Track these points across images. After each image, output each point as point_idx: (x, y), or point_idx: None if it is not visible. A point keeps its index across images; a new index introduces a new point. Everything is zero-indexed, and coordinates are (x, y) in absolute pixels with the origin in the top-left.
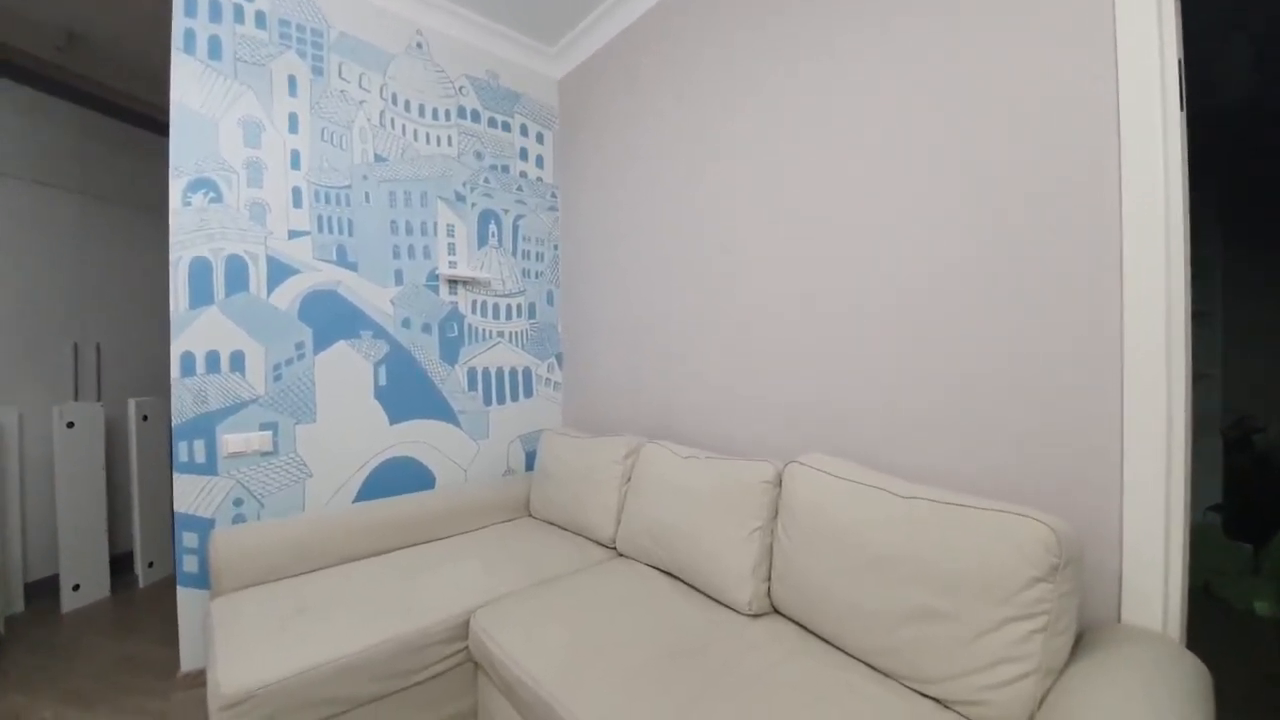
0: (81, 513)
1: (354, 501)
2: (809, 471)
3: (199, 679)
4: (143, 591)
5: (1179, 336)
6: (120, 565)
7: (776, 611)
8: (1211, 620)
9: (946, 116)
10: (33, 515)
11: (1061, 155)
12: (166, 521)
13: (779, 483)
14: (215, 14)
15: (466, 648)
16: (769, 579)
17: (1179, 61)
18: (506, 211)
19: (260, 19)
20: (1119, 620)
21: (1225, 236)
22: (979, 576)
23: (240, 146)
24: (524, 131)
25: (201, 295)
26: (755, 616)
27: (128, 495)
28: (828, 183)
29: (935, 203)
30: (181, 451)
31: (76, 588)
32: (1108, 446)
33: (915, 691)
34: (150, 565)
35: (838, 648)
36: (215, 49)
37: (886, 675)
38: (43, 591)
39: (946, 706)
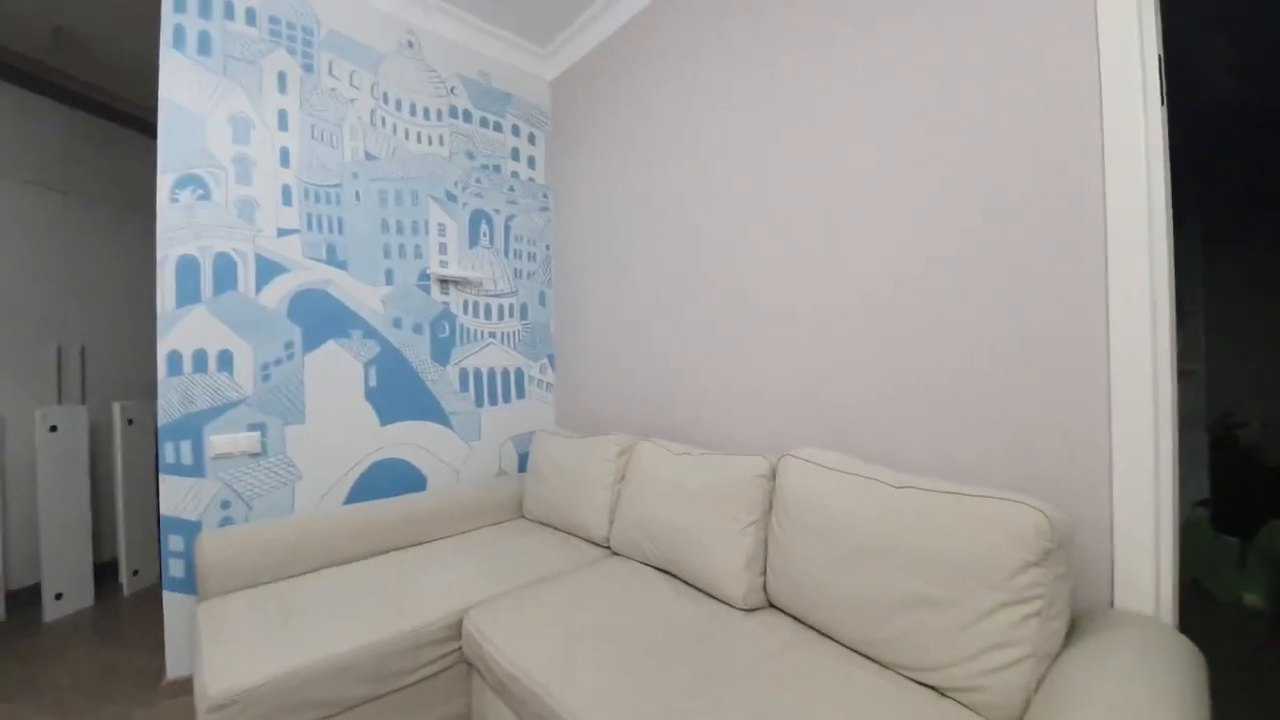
0: (65, 519)
1: (344, 504)
2: (803, 465)
3: (185, 686)
4: (127, 600)
5: (1164, 328)
6: (104, 573)
7: (772, 605)
8: (1200, 612)
9: (931, 112)
10: (14, 522)
11: (1047, 152)
12: (152, 528)
13: (773, 476)
14: (205, 10)
15: (459, 649)
16: (764, 573)
17: (1159, 58)
18: (498, 211)
19: (250, 16)
20: (1112, 606)
21: (1205, 236)
22: (972, 562)
23: (229, 143)
24: (516, 132)
25: (189, 294)
26: (750, 611)
27: (112, 501)
28: (813, 181)
29: (923, 199)
30: (168, 453)
31: (59, 596)
32: (1097, 436)
33: (912, 680)
34: (135, 573)
35: (834, 639)
36: (205, 45)
37: (884, 665)
38: (24, 601)
39: (943, 694)
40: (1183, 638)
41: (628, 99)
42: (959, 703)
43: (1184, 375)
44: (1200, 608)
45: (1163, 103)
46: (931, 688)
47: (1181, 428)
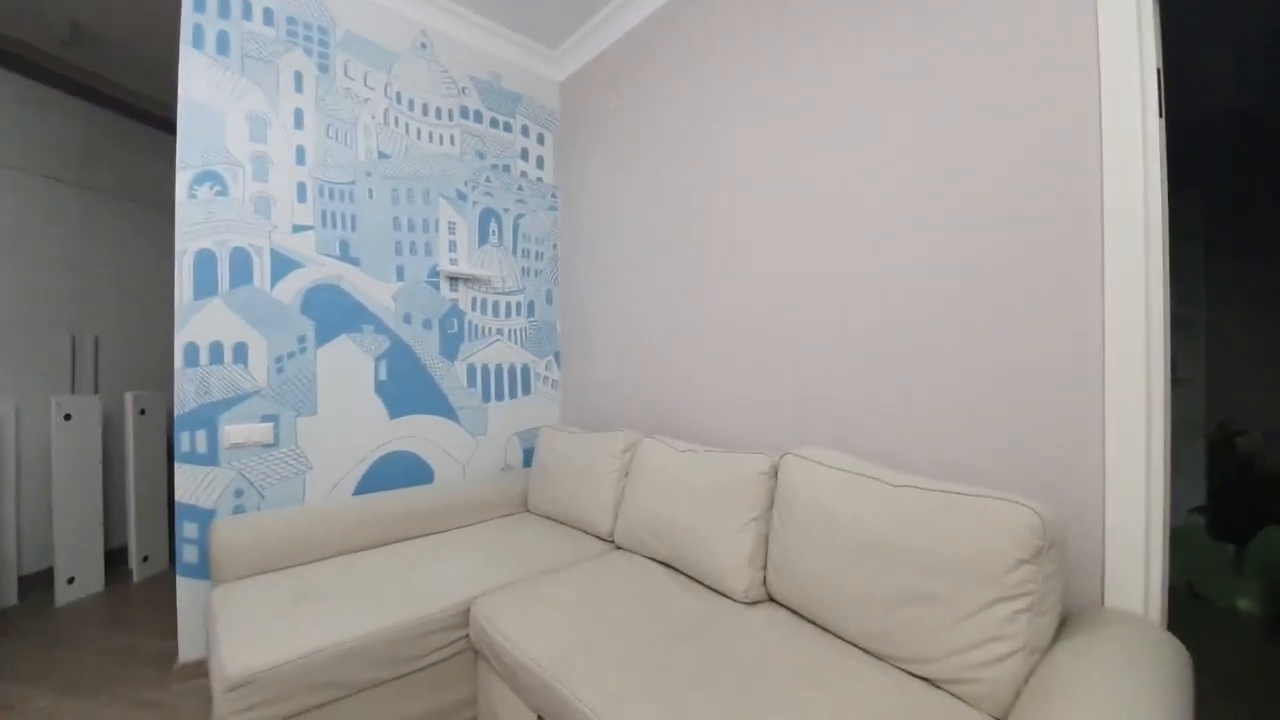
0: (77, 506)
1: (353, 495)
2: (804, 463)
3: (198, 669)
4: (137, 585)
5: (1158, 336)
6: (114, 559)
7: (772, 599)
8: (1195, 616)
9: (935, 126)
10: (27, 508)
11: (1045, 164)
12: (162, 516)
13: (775, 474)
14: (224, 10)
15: (467, 635)
16: (765, 568)
17: (1158, 71)
18: (507, 210)
19: (268, 16)
20: (1102, 604)
21: (1207, 245)
22: (968, 559)
23: (246, 141)
24: (525, 132)
25: (206, 287)
26: (751, 604)
27: (123, 489)
28: (819, 187)
29: (924, 207)
30: (183, 442)
31: (71, 581)
32: (1090, 440)
33: (906, 672)
34: (145, 559)
35: (832, 633)
36: (223, 44)
37: (880, 658)
38: (37, 585)
39: (937, 686)
40: (1169, 635)
41: (636, 101)
42: (951, 694)
43: (1183, 383)
44: (1196, 612)
45: (1161, 115)
46: (925, 679)
47: (1178, 435)
